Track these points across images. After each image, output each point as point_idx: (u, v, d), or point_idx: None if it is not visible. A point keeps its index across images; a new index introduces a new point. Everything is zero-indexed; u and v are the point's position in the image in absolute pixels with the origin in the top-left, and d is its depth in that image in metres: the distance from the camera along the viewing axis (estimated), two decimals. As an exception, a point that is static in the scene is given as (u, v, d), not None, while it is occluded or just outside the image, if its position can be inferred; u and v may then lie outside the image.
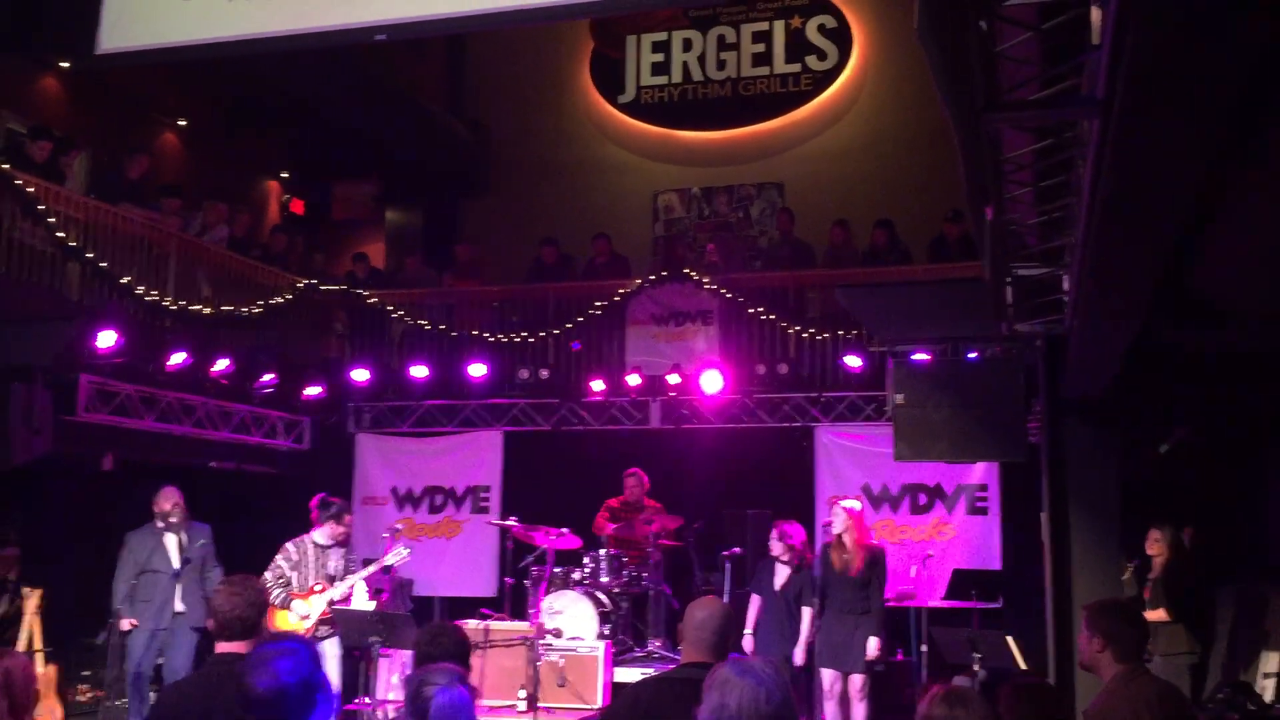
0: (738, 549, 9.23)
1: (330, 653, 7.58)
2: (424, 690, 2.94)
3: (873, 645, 7.69)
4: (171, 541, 8.11)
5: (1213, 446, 8.80)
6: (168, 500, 8.15)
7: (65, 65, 11.48)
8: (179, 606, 8.03)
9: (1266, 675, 7.83)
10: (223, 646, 3.69)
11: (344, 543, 7.81)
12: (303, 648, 2.90)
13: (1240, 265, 5.13)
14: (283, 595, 7.56)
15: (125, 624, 7.94)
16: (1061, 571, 6.70)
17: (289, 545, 7.75)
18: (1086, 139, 3.61)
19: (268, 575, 7.61)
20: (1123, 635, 4.12)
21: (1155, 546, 7.48)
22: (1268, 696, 7.49)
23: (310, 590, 7.58)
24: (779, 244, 13.09)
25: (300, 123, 14.13)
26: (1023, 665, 7.57)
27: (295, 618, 7.54)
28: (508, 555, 10.01)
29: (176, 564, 8.05)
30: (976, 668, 6.80)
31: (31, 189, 8.87)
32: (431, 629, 4.17)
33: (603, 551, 9.53)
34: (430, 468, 11.68)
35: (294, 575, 7.61)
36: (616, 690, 8.55)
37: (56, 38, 10.31)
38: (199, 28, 6.09)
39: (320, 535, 7.73)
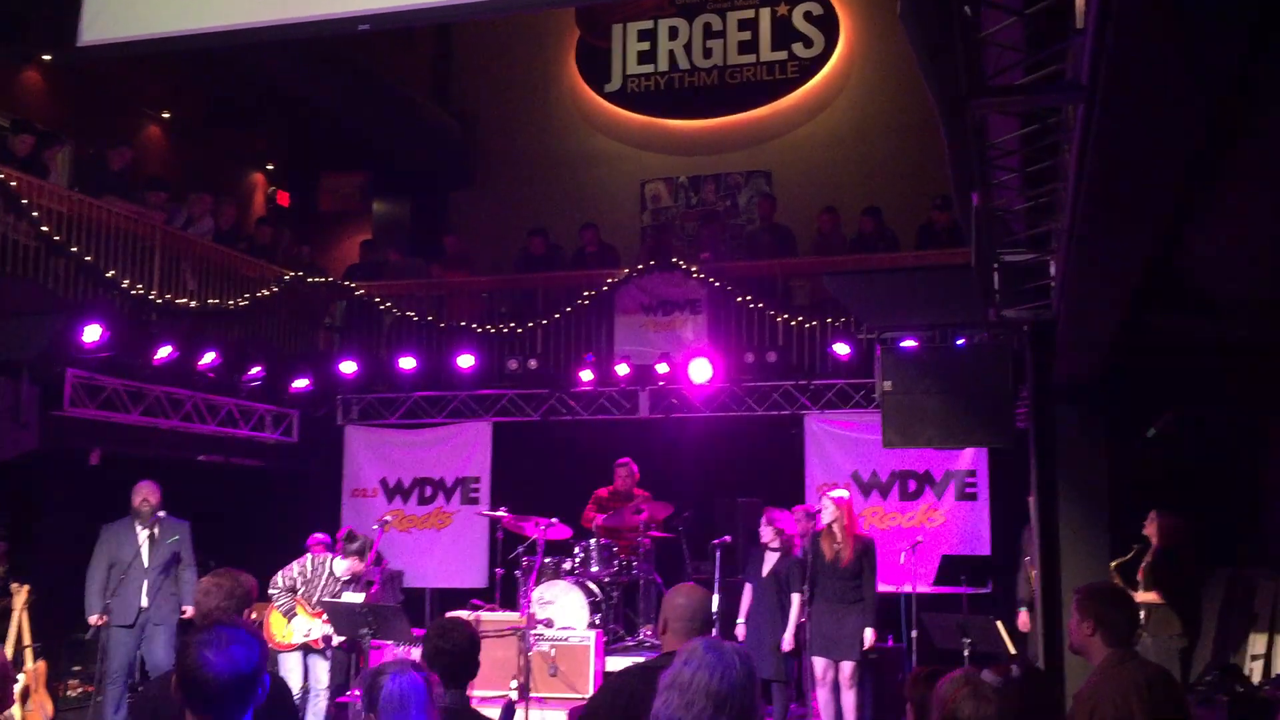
0: (728, 537, 9.24)
1: (293, 661, 7.61)
2: (378, 680, 2.94)
3: (869, 636, 7.73)
4: (141, 536, 8.03)
5: (1202, 431, 8.83)
6: (138, 494, 8.08)
7: (47, 58, 11.40)
8: (144, 602, 7.93)
9: (1254, 657, 7.87)
10: None
11: (358, 580, 7.77)
12: (257, 641, 2.86)
13: (1228, 252, 5.14)
14: (289, 604, 7.55)
15: (94, 619, 7.86)
16: (1050, 556, 6.72)
17: (310, 557, 7.77)
18: (1072, 124, 3.61)
19: (278, 577, 7.63)
20: (1113, 619, 4.12)
21: (1149, 527, 7.51)
22: (1255, 678, 7.53)
23: (318, 613, 7.57)
24: (760, 230, 13.10)
25: (286, 114, 14.07)
26: (1012, 650, 7.60)
27: (293, 629, 7.54)
28: (498, 546, 10.01)
29: (145, 558, 7.98)
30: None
31: (14, 183, 8.81)
32: (442, 623, 4.13)
33: (593, 541, 9.54)
34: (419, 459, 11.67)
35: (303, 588, 7.62)
36: (608, 679, 8.56)
37: (38, 30, 10.24)
38: (180, 18, 6.06)
39: (340, 566, 7.71)
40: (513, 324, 11.60)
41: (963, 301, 6.63)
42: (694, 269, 11.26)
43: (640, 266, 11.50)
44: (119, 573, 7.89)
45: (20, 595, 7.60)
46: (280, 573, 7.67)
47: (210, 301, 10.66)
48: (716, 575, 8.79)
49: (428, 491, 11.62)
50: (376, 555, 8.61)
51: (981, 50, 3.31)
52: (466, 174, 15.24)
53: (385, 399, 11.77)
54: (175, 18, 6.24)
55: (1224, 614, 8.30)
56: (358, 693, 7.82)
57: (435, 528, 11.54)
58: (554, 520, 9.21)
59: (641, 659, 8.60)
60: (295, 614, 7.56)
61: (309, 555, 7.85)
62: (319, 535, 9.37)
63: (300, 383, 11.04)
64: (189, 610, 7.83)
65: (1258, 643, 7.93)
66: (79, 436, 9.21)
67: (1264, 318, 5.99)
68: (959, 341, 7.71)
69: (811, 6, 14.26)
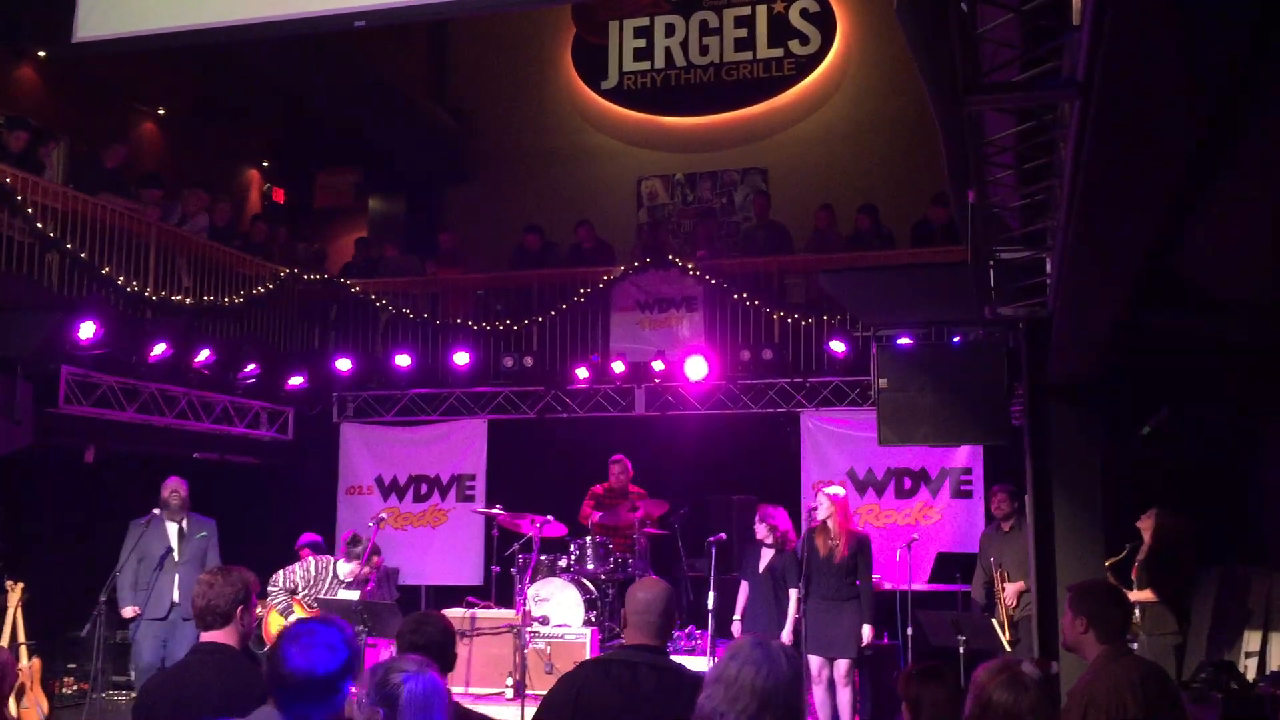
0: (723, 535, 9.24)
1: None
2: (391, 678, 2.89)
3: (866, 633, 7.74)
4: (171, 530, 8.15)
5: (1197, 429, 8.83)
6: (167, 488, 8.22)
7: (42, 54, 11.38)
8: (175, 597, 8.01)
9: (1249, 654, 7.87)
10: (204, 635, 3.72)
11: (363, 585, 7.80)
12: (346, 649, 2.84)
13: (1226, 250, 5.13)
14: (285, 603, 7.57)
15: (128, 611, 7.97)
16: (1045, 553, 6.72)
17: (313, 561, 7.80)
18: (1068, 121, 3.61)
19: (279, 576, 7.65)
20: (1106, 616, 4.13)
21: (1144, 524, 7.53)
22: (1250, 675, 7.54)
23: (316, 611, 7.58)
24: (755, 227, 13.10)
25: (281, 111, 14.05)
26: (1007, 647, 7.61)
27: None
28: (493, 543, 9.99)
29: (176, 553, 8.03)
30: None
31: (9, 180, 8.79)
32: (415, 618, 4.16)
33: (588, 538, 9.54)
34: (415, 456, 11.66)
35: (305, 591, 7.63)
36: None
37: (33, 26, 10.22)
38: (175, 14, 6.04)
39: (343, 569, 7.74)
40: (508, 321, 11.60)
41: (958, 299, 6.62)
42: (690, 266, 11.26)
43: (636, 264, 11.50)
44: (149, 567, 7.96)
45: (14, 593, 7.58)
46: (281, 572, 7.68)
47: (205, 298, 10.65)
48: (711, 572, 8.79)
49: (423, 489, 11.62)
50: (374, 548, 8.61)
51: (978, 47, 3.31)
52: (462, 171, 15.23)
53: (381, 396, 11.76)
54: (170, 14, 6.22)
55: (1218, 611, 8.31)
56: (354, 690, 7.86)
57: (430, 525, 11.53)
58: (549, 518, 9.21)
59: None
60: (292, 612, 7.57)
61: (312, 559, 7.88)
62: (310, 535, 9.36)
63: (295, 380, 11.03)
64: None
65: (1252, 640, 7.93)
66: (74, 434, 9.19)
67: (1260, 317, 5.99)
68: (955, 339, 7.71)
69: (808, 3, 14.26)
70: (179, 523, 8.16)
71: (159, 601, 7.96)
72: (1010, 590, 8.03)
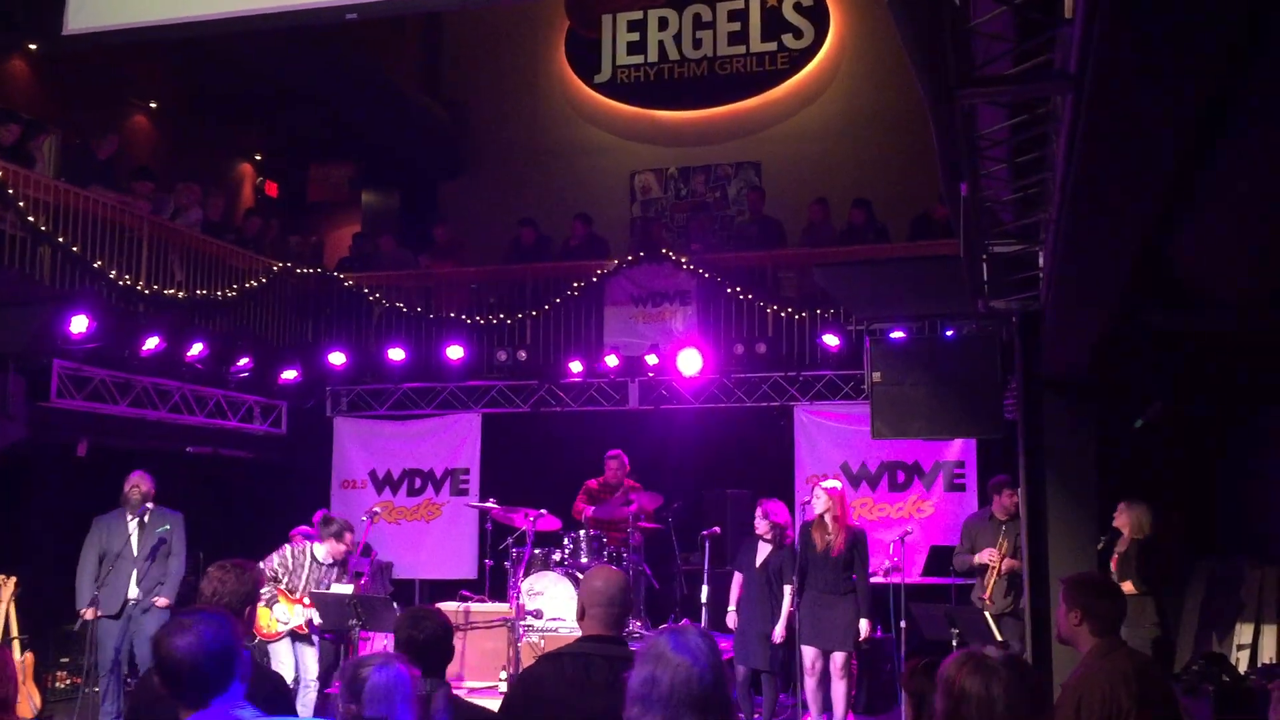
0: (717, 529, 9.25)
1: (284, 651, 7.59)
2: (360, 672, 2.95)
3: (864, 627, 7.74)
4: (133, 525, 8.00)
5: (1189, 421, 8.86)
6: (129, 482, 8.08)
7: (33, 47, 11.34)
8: (131, 593, 7.89)
9: (1240, 647, 7.91)
10: None
11: (343, 563, 7.77)
12: (226, 620, 2.86)
13: (1218, 244, 5.14)
14: (270, 592, 7.54)
15: (87, 613, 7.79)
16: (1038, 547, 6.73)
17: (289, 548, 7.75)
18: (1060, 114, 3.61)
19: (260, 566, 7.59)
20: (1100, 609, 4.14)
21: (1119, 519, 7.55)
22: (1242, 668, 7.57)
23: (299, 599, 7.57)
24: (749, 222, 13.10)
25: (274, 104, 14.01)
26: (1000, 639, 7.62)
27: (275, 617, 7.53)
28: (487, 537, 10.01)
29: (134, 548, 7.95)
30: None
31: (0, 173, 8.76)
32: (413, 613, 4.14)
33: (582, 532, 9.54)
34: (409, 450, 11.65)
35: (285, 578, 7.61)
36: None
37: (24, 19, 10.18)
38: (167, 7, 6.01)
39: (320, 551, 7.72)
40: (502, 315, 11.59)
41: (952, 292, 6.63)
42: (683, 260, 11.26)
43: (630, 257, 11.49)
44: (109, 563, 7.86)
45: (7, 587, 7.57)
46: (260, 563, 7.65)
47: (198, 292, 10.62)
48: (705, 566, 8.81)
49: (417, 483, 11.61)
50: (365, 546, 8.60)
51: (970, 40, 3.30)
52: (456, 164, 15.21)
53: (374, 390, 11.75)
54: (161, 6, 6.19)
55: (1210, 603, 8.34)
56: (345, 684, 7.81)
57: (424, 519, 11.53)
58: (543, 511, 9.21)
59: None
60: (276, 601, 7.56)
61: (288, 546, 7.81)
62: (303, 528, 9.36)
63: (289, 374, 11.01)
64: (162, 600, 7.84)
65: (1244, 632, 7.97)
66: (66, 428, 9.17)
67: (1252, 309, 6.01)
68: (948, 333, 7.71)
69: (801, -3, 14.25)
70: (140, 517, 8.02)
71: (114, 597, 7.83)
72: (1007, 561, 7.99)
